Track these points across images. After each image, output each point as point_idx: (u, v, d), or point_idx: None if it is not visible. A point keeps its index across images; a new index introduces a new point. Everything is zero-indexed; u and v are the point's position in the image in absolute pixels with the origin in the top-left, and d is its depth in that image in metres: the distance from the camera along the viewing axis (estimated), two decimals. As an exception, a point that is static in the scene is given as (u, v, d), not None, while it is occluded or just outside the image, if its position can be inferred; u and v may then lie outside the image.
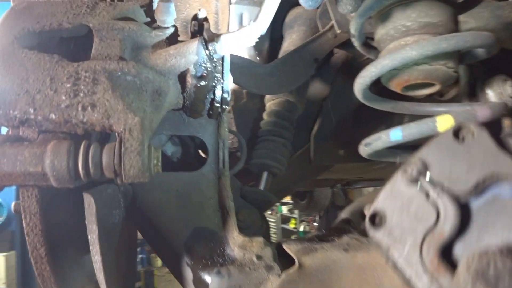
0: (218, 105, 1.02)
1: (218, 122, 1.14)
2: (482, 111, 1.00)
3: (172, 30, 0.99)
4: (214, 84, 0.99)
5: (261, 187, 1.57)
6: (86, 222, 0.91)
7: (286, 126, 1.65)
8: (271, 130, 1.64)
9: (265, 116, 1.70)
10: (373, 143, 1.07)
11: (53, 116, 0.85)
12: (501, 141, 0.35)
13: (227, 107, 1.05)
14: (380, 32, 1.14)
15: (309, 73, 1.61)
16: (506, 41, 1.29)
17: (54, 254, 0.95)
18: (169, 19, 0.99)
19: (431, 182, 0.36)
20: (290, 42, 1.80)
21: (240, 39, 0.95)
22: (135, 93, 0.89)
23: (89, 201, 0.89)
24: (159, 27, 0.99)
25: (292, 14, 1.90)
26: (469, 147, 0.35)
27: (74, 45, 0.99)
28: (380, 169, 2.23)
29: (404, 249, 0.39)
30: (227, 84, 1.03)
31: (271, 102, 1.70)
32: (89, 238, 0.91)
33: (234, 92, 1.99)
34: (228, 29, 1.89)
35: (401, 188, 0.37)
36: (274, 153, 1.60)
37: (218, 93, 1.00)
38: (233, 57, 1.50)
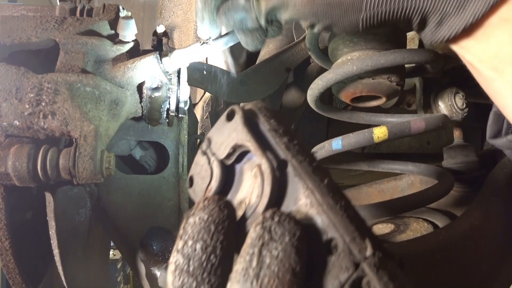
0: (173, 114, 1.11)
1: (178, 129, 1.23)
2: (416, 124, 1.07)
3: (131, 44, 1.07)
4: (168, 95, 1.07)
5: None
6: (47, 218, 1.00)
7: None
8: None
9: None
10: (318, 152, 1.15)
11: (17, 122, 0.94)
12: (250, 121, 0.44)
13: (183, 115, 1.14)
14: (331, 47, 1.22)
15: (279, 82, 1.68)
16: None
17: (19, 248, 1.04)
18: (129, 34, 1.08)
19: (211, 152, 0.47)
20: (267, 51, 1.88)
21: (193, 54, 1.04)
22: (93, 103, 0.98)
23: (49, 199, 0.98)
24: (120, 42, 1.08)
25: (270, 24, 1.97)
26: (230, 125, 0.45)
27: (44, 57, 1.09)
28: (358, 176, 2.29)
29: None
30: (183, 94, 1.11)
31: (245, 109, 1.78)
32: (50, 233, 1.00)
33: (211, 99, 2.08)
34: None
35: (199, 159, 0.48)
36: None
37: (173, 103, 1.09)
38: (204, 66, 1.59)
